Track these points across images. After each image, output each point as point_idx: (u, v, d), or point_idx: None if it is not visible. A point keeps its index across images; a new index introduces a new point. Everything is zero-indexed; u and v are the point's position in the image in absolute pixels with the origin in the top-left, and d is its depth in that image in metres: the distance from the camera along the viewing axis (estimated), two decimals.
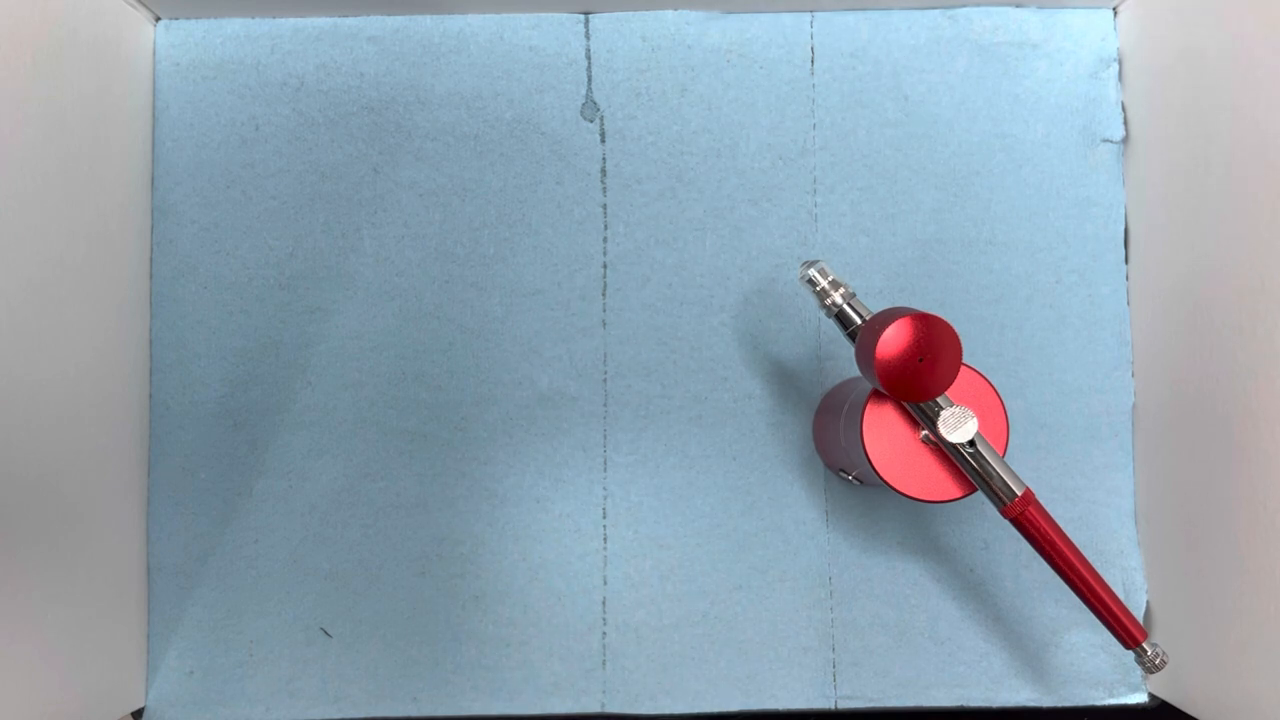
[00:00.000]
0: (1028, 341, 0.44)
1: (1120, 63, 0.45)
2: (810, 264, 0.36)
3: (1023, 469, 0.44)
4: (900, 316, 0.33)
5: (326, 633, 0.44)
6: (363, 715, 0.43)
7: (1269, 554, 0.35)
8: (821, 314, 0.44)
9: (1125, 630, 0.35)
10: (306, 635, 0.44)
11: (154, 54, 0.45)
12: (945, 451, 0.35)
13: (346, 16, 0.45)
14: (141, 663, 0.43)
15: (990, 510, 0.44)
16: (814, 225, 0.45)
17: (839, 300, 0.36)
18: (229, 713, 0.43)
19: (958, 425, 0.34)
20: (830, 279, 0.36)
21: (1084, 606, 0.43)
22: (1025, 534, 0.35)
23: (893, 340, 0.33)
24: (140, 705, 0.43)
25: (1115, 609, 0.35)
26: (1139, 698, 0.44)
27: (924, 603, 0.44)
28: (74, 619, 0.38)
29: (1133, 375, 0.44)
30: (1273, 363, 0.35)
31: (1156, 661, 0.35)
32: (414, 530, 0.44)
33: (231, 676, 0.43)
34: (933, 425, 0.34)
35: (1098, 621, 0.43)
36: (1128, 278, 0.45)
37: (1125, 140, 0.45)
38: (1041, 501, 0.44)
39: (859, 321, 0.35)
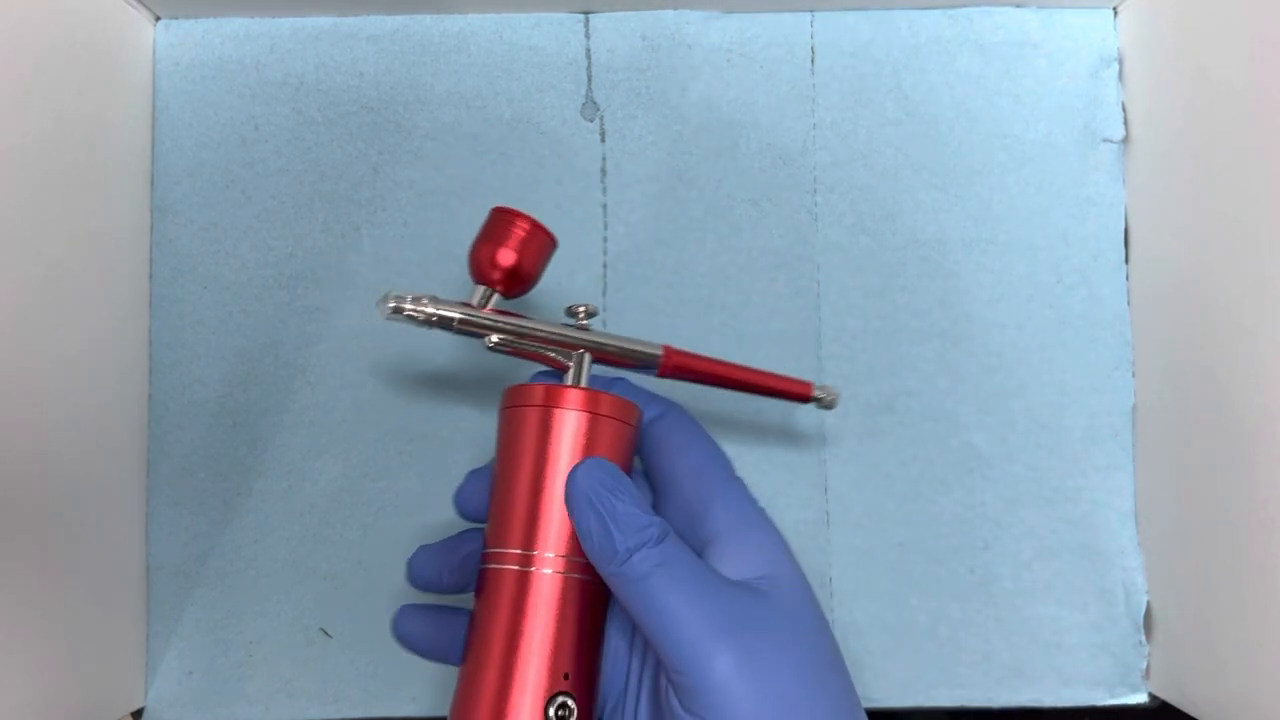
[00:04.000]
0: (1028, 341, 0.44)
1: (1121, 62, 0.45)
2: (390, 298, 0.34)
3: (1024, 469, 0.44)
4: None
5: (326, 633, 0.44)
6: (362, 715, 0.43)
7: (1269, 554, 0.35)
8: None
9: (794, 391, 0.38)
10: (306, 635, 0.44)
11: (153, 53, 0.45)
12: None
13: (346, 16, 0.45)
14: (141, 663, 0.43)
15: (991, 510, 0.44)
16: (814, 225, 0.45)
17: (433, 310, 0.34)
18: (229, 713, 0.43)
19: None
20: (420, 302, 0.34)
21: (1083, 606, 0.44)
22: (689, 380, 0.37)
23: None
24: (140, 705, 0.43)
25: (777, 383, 0.38)
26: (1139, 698, 0.44)
27: (924, 603, 0.44)
28: (74, 619, 0.38)
29: (1133, 375, 0.44)
30: (1274, 363, 0.35)
31: (827, 399, 0.38)
32: (414, 530, 0.44)
33: (231, 677, 0.43)
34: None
35: (1099, 622, 0.43)
36: (1128, 278, 0.45)
37: (1126, 140, 0.45)
38: (1042, 501, 0.44)
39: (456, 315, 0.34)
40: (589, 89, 0.45)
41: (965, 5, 0.45)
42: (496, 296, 0.35)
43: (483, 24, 0.45)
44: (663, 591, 0.29)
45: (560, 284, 0.45)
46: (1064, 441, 0.44)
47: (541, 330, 0.35)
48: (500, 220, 0.35)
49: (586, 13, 0.45)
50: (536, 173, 0.45)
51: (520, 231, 0.34)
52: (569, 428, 0.33)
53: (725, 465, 0.36)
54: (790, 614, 0.31)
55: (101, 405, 0.40)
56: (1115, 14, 0.45)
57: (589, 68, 0.45)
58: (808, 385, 0.38)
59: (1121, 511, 0.44)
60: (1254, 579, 0.36)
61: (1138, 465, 0.44)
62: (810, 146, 0.45)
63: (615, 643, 0.35)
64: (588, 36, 0.45)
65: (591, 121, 0.45)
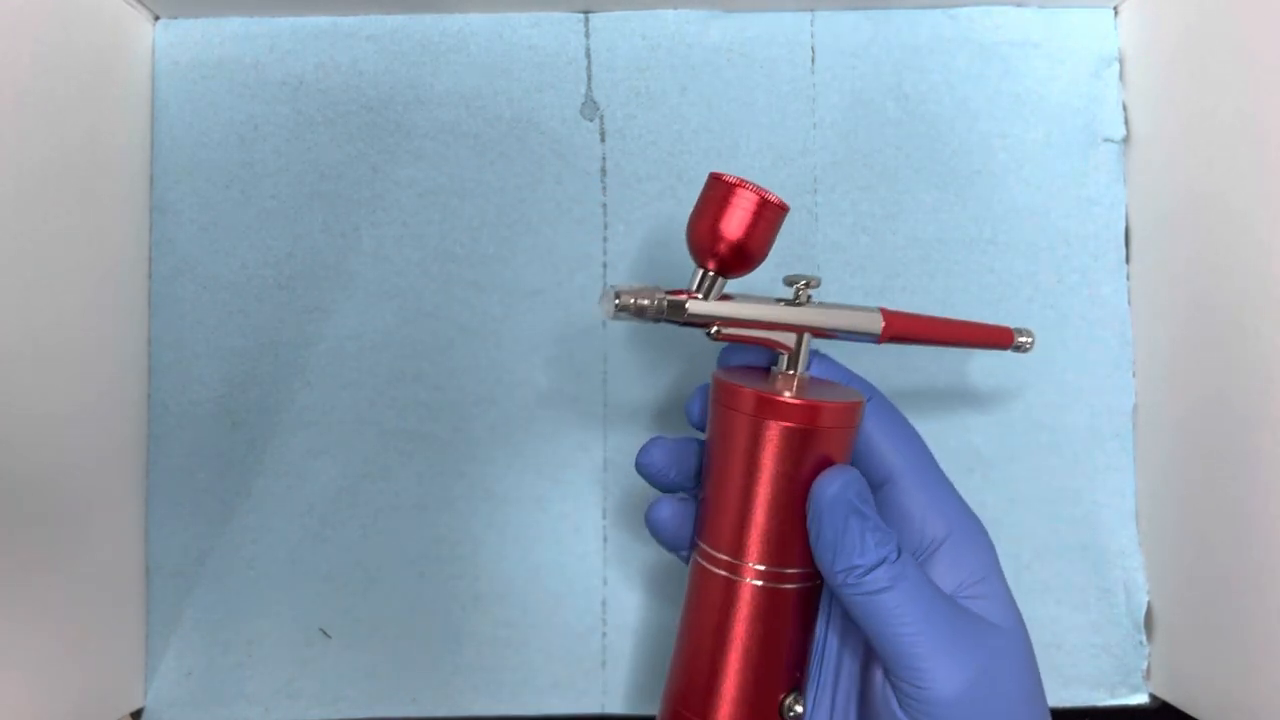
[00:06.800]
0: None
1: (1121, 62, 0.45)
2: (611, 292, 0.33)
3: (1024, 469, 0.44)
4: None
5: (326, 633, 0.44)
6: (362, 716, 0.43)
7: (1270, 554, 0.35)
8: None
9: (997, 340, 0.38)
10: (306, 636, 0.44)
11: (153, 53, 0.45)
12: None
13: (346, 16, 0.45)
14: (140, 663, 0.43)
15: (991, 510, 0.44)
16: (814, 225, 0.45)
17: (660, 299, 0.33)
18: (228, 713, 0.43)
19: None
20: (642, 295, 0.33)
21: (1084, 606, 0.44)
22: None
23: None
24: (139, 706, 0.43)
25: (983, 335, 0.37)
26: (1140, 698, 0.44)
27: None
28: (73, 619, 0.38)
29: (1134, 376, 0.44)
30: (1274, 363, 0.35)
31: (1027, 344, 0.38)
32: (413, 531, 0.44)
33: (230, 677, 0.43)
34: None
35: (1099, 622, 0.43)
36: (1129, 278, 0.45)
37: (1127, 140, 0.45)
38: (1043, 502, 0.44)
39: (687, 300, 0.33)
40: (589, 89, 0.45)
41: (965, 5, 0.45)
42: (719, 280, 0.33)
43: (482, 23, 0.45)
44: (899, 607, 0.30)
45: (560, 284, 0.44)
46: (1064, 442, 0.44)
47: (766, 318, 0.34)
48: (725, 193, 0.32)
49: (586, 12, 0.45)
50: (536, 172, 0.45)
51: (748, 205, 0.32)
52: (789, 443, 0.31)
53: (932, 458, 0.35)
54: (1016, 644, 0.32)
55: (101, 405, 0.40)
56: (1116, 13, 0.45)
57: (589, 67, 0.45)
58: (1008, 333, 0.38)
59: (1122, 511, 0.44)
60: (1254, 579, 0.36)
61: (1138, 465, 0.44)
62: (810, 146, 0.45)
63: (821, 630, 0.35)
64: (587, 36, 0.45)
65: (591, 121, 0.45)
